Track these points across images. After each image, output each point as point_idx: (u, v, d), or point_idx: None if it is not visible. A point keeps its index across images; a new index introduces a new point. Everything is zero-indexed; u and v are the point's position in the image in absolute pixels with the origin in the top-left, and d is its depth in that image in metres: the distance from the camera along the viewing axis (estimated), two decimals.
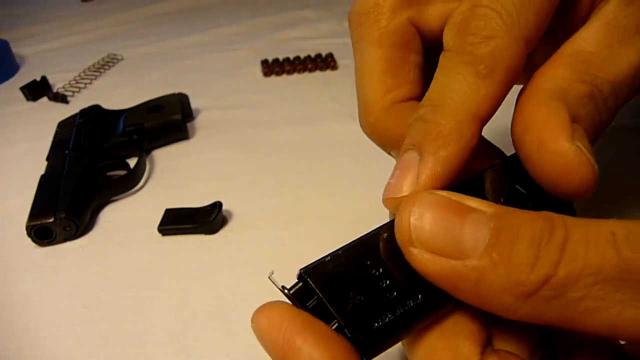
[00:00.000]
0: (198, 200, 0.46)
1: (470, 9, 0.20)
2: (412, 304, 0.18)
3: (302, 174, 0.51)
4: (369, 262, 0.18)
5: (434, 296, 0.18)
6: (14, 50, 0.84)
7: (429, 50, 0.25)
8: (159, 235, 0.45)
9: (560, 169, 0.18)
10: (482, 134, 0.21)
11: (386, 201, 0.20)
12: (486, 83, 0.19)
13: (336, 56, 0.73)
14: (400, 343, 0.19)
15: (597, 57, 0.20)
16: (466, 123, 0.19)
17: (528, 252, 0.15)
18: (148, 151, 0.57)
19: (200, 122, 0.62)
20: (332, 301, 0.18)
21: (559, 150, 0.18)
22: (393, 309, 0.18)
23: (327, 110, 0.61)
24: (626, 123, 0.49)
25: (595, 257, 0.15)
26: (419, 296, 0.18)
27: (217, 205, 0.45)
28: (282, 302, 0.18)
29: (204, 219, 0.44)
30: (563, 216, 0.16)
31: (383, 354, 0.18)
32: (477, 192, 0.19)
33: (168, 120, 0.58)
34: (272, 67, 0.72)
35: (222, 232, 0.45)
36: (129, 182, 0.51)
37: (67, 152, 0.53)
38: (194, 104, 0.63)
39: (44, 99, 0.72)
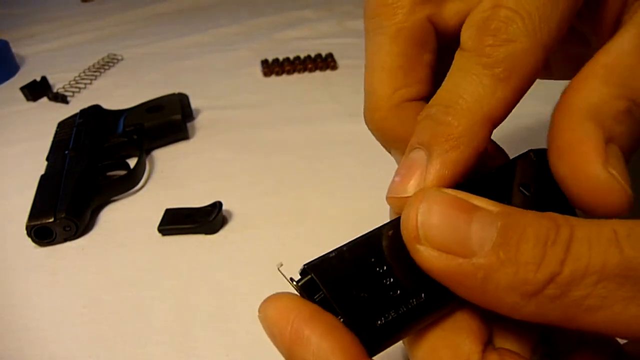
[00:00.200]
0: (198, 200, 0.46)
1: (491, 8, 0.20)
2: (415, 303, 0.18)
3: (302, 174, 0.51)
4: (373, 260, 0.18)
5: (437, 295, 0.18)
6: (14, 50, 0.84)
7: (441, 49, 0.25)
8: (159, 235, 0.45)
9: (593, 195, 0.18)
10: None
11: (390, 200, 0.20)
12: (502, 87, 0.19)
13: (336, 56, 0.73)
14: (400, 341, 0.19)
15: (634, 68, 0.19)
16: (478, 126, 0.19)
17: (535, 252, 0.16)
18: (148, 151, 0.57)
19: (200, 122, 0.62)
20: (335, 297, 0.18)
21: (593, 177, 0.18)
22: (396, 307, 0.18)
23: (327, 110, 0.61)
24: None
25: (598, 256, 0.15)
26: (422, 295, 0.18)
27: (217, 205, 0.45)
28: (291, 293, 0.18)
29: (204, 219, 0.44)
30: (567, 216, 0.16)
31: (384, 351, 0.18)
32: (480, 192, 0.19)
33: (168, 120, 0.58)
34: (272, 67, 0.72)
35: (222, 232, 0.45)
36: (129, 182, 0.51)
37: (67, 152, 0.53)
38: (194, 104, 0.63)
39: (44, 99, 0.72)
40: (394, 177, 0.20)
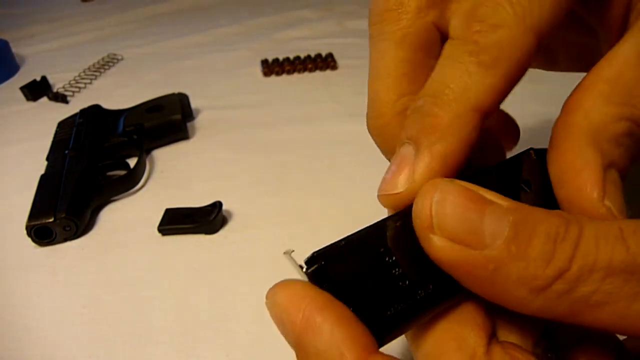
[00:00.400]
0: (198, 200, 0.46)
1: None
2: (423, 294, 0.18)
3: (302, 174, 0.51)
4: (382, 250, 0.18)
5: (445, 286, 0.18)
6: (14, 50, 0.84)
7: None
8: (159, 235, 0.45)
9: None
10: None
11: (381, 197, 0.20)
12: (489, 74, 0.19)
13: (336, 56, 0.73)
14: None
15: (637, 84, 0.18)
16: (465, 116, 0.19)
17: (545, 248, 0.16)
18: (148, 151, 0.57)
19: (200, 122, 0.62)
20: (345, 286, 0.17)
21: (588, 210, 0.18)
22: (405, 297, 0.18)
23: (327, 110, 0.61)
24: None
25: (605, 253, 0.15)
26: (431, 286, 0.18)
27: (217, 205, 0.45)
28: (300, 280, 0.18)
29: (204, 219, 0.44)
30: (575, 214, 0.17)
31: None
32: (485, 186, 0.19)
33: (168, 120, 0.58)
34: (272, 67, 0.72)
35: (222, 232, 0.45)
36: (129, 182, 0.51)
37: (67, 152, 0.53)
38: (194, 104, 0.63)
39: (44, 99, 0.72)
40: (385, 174, 0.20)
